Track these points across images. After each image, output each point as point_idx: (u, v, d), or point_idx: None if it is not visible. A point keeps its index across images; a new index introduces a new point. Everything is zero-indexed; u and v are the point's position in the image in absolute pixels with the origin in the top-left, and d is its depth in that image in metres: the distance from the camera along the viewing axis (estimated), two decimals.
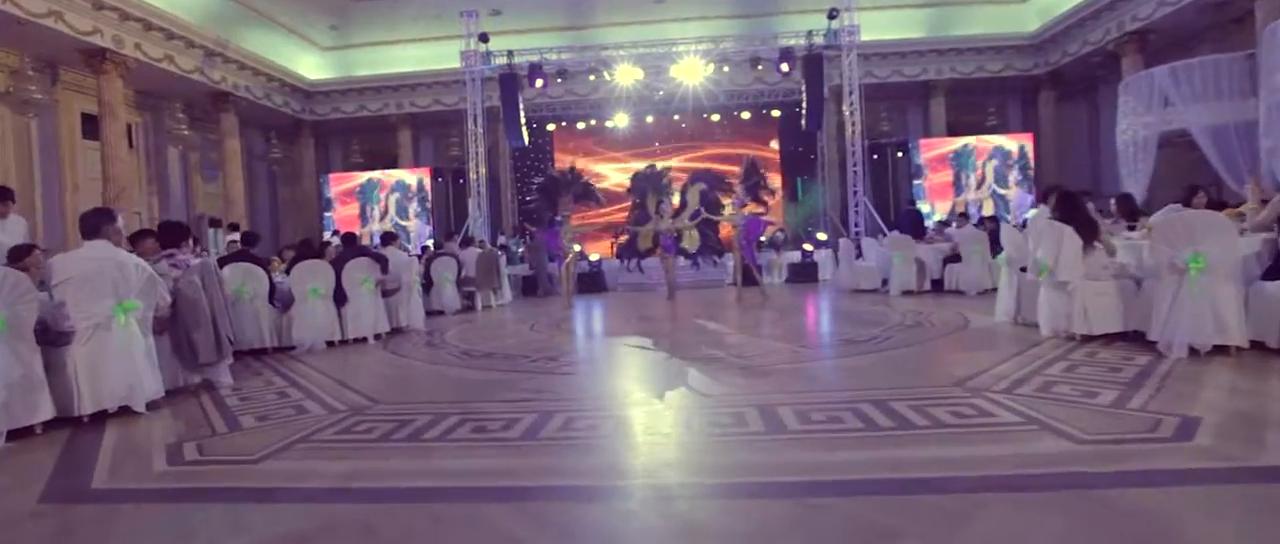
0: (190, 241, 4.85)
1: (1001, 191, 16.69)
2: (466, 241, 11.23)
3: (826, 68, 14.47)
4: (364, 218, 16.51)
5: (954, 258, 9.39)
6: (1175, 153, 14.27)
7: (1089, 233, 5.21)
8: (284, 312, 6.44)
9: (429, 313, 9.21)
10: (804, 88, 14.23)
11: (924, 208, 16.52)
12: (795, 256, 13.71)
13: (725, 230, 10.81)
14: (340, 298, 6.63)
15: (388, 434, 3.27)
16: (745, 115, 17.59)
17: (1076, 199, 5.42)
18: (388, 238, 7.93)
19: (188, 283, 4.43)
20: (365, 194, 16.84)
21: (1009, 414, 3.22)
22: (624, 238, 10.22)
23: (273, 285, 6.41)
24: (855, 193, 14.17)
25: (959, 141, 17.12)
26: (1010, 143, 17.14)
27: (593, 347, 6.07)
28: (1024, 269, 6.09)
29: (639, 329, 7.04)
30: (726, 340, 6.00)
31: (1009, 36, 17.64)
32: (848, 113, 14.35)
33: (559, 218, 10.10)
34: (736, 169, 15.95)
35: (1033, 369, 4.16)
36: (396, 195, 16.73)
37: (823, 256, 13.70)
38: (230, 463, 2.97)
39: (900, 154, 16.92)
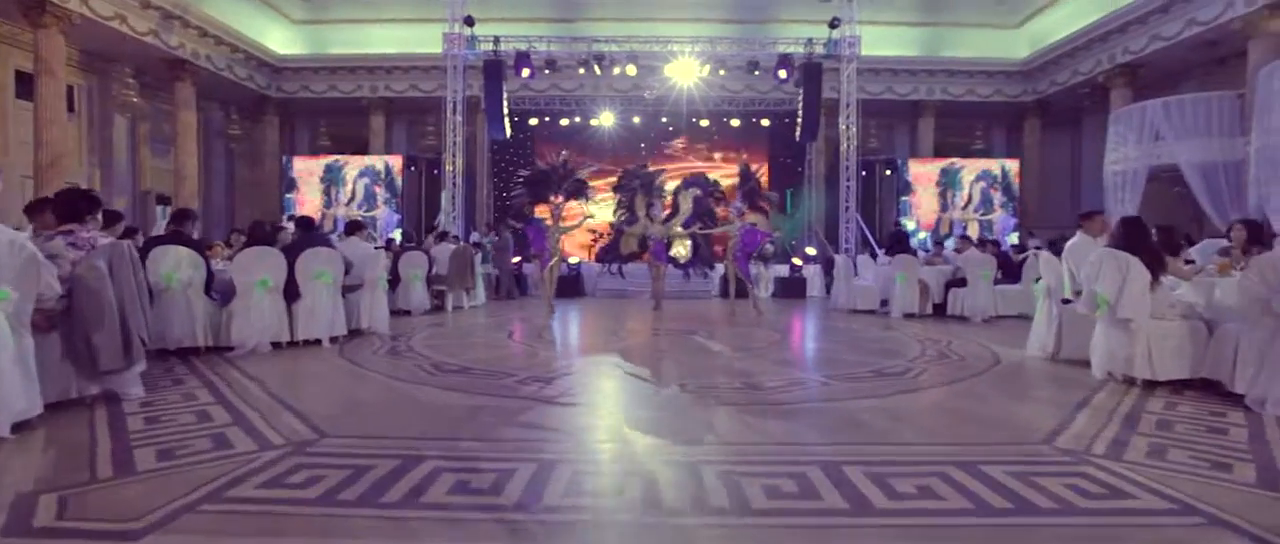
0: (98, 216, 3.82)
1: (986, 216, 16.34)
2: (440, 236, 10.23)
3: (821, 79, 13.88)
4: (329, 203, 15.30)
5: (958, 282, 8.79)
6: (1158, 188, 14.07)
7: (1156, 266, 4.57)
8: (223, 305, 5.42)
9: (394, 312, 8.22)
10: (800, 96, 13.60)
11: (909, 225, 16.09)
12: (783, 271, 13.05)
13: (717, 240, 10.03)
14: (292, 292, 5.64)
15: (334, 491, 2.37)
16: (735, 123, 16.92)
17: (1143, 227, 4.78)
18: (352, 227, 6.92)
19: (89, 269, 3.44)
20: (330, 177, 15.60)
21: (1142, 492, 2.48)
22: (602, 238, 9.17)
23: (211, 273, 5.39)
24: (847, 208, 13.58)
25: (948, 162, 16.75)
26: (997, 167, 16.83)
27: (587, 367, 5.19)
28: (1067, 300, 5.48)
29: (633, 347, 6.21)
30: (737, 366, 5.21)
31: (1000, 62, 17.35)
32: (844, 126, 13.76)
33: (549, 215, 9.20)
34: (727, 175, 15.35)
35: (1119, 424, 3.45)
36: (365, 181, 15.56)
37: (811, 272, 13.07)
38: (95, 538, 2.02)
39: (889, 172, 16.43)
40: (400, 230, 14.13)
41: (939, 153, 17.25)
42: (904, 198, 16.11)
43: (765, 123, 16.80)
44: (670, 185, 9.65)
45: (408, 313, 8.60)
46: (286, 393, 3.90)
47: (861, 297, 9.55)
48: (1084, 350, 5.27)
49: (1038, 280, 5.87)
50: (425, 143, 18.06)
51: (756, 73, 13.82)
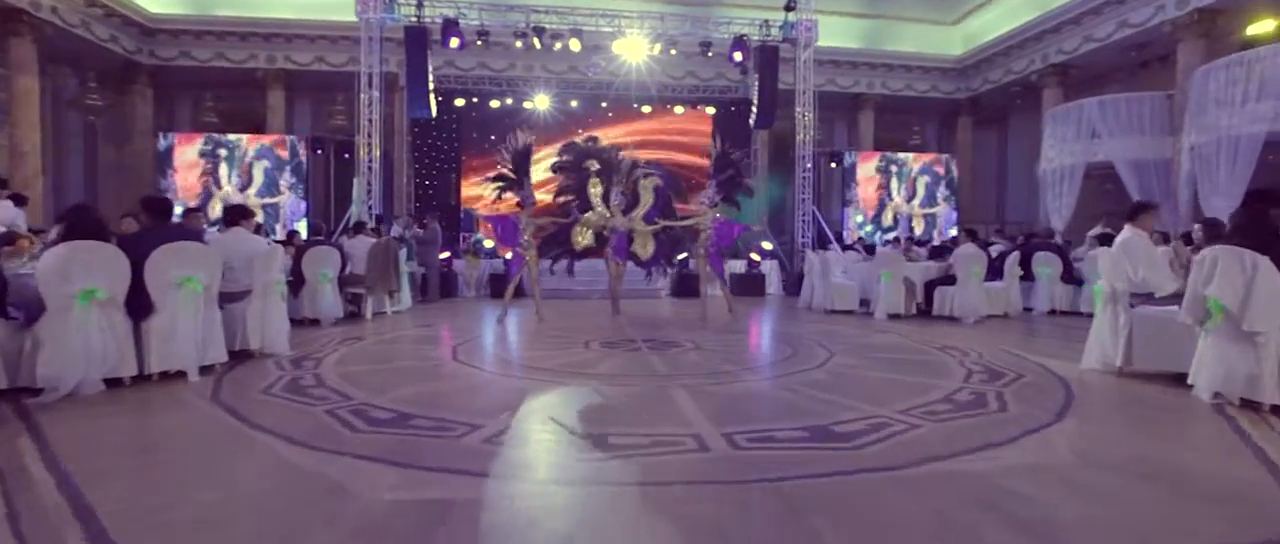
0: None
1: (930, 210, 15.99)
2: (356, 229, 8.35)
3: (778, 64, 12.86)
4: (212, 189, 12.80)
5: (945, 280, 7.94)
6: (1088, 184, 14.08)
7: None
8: (27, 327, 3.57)
9: (298, 323, 6.41)
10: (755, 82, 12.53)
11: (857, 218, 15.52)
12: (739, 266, 11.98)
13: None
14: (140, 305, 3.85)
15: None
16: (679, 110, 15.72)
17: (1270, 216, 3.88)
18: (234, 215, 5.05)
19: None
20: (218, 158, 13.07)
21: None
22: (533, 228, 7.50)
23: (3, 281, 3.52)
24: (803, 201, 12.66)
25: (895, 155, 16.30)
26: (941, 161, 16.53)
27: (578, 408, 3.72)
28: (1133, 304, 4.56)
29: (618, 367, 4.79)
30: (778, 398, 3.93)
31: (937, 58, 17.07)
32: (800, 116, 12.82)
33: (519, 206, 7.55)
34: (683, 163, 14.11)
35: None
36: (265, 162, 13.16)
37: (768, 268, 12.07)
38: None
39: (834, 164, 15.74)
40: (305, 222, 11.99)
41: (877, 147, 16.78)
42: (850, 190, 15.46)
43: (710, 110, 15.71)
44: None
45: (316, 322, 6.78)
46: (100, 485, 2.25)
47: (839, 296, 8.54)
48: (1159, 362, 4.37)
49: (1044, 279, 4.92)
50: (334, 123, 15.75)
51: (710, 54, 12.62)
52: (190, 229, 4.92)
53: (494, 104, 14.95)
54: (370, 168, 12.34)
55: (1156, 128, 12.84)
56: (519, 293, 10.79)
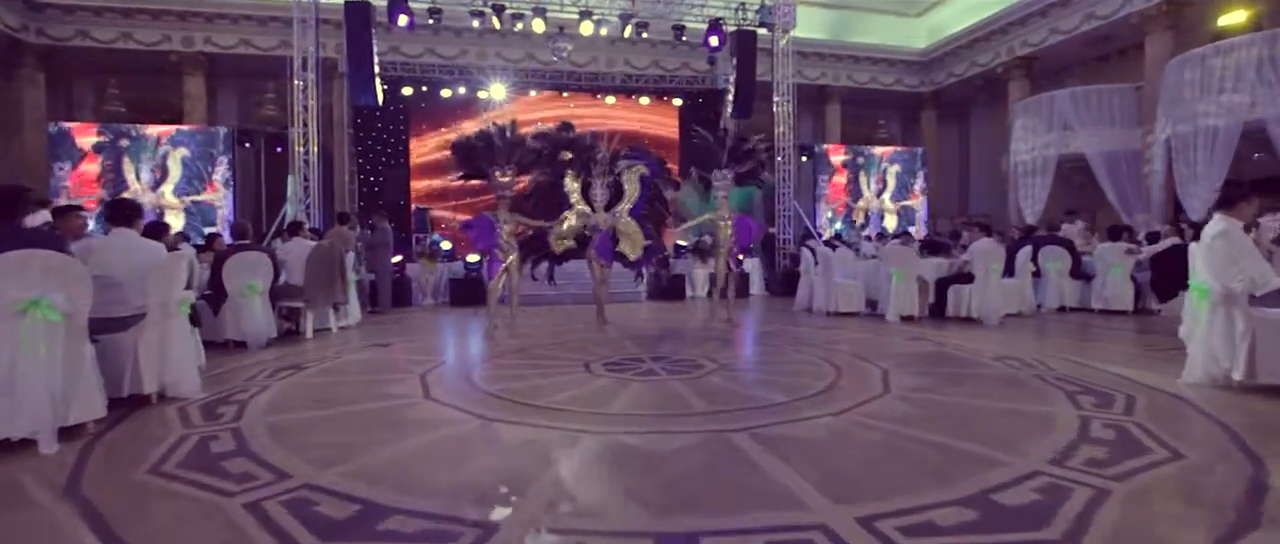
0: None
1: (904, 204, 15.53)
2: (290, 230, 6.95)
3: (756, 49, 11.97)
4: (115, 186, 10.95)
5: (959, 277, 7.21)
6: (1057, 177, 13.86)
7: None
8: None
9: (220, 347, 5.08)
10: (734, 66, 11.61)
11: (827, 214, 14.89)
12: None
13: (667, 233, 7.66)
14: None
15: None
16: (644, 101, 14.70)
17: None
18: (117, 213, 3.67)
19: None
20: (120, 148, 11.17)
21: None
22: (512, 225, 6.28)
23: None
24: (784, 196, 11.85)
25: (869, 148, 15.78)
26: (912, 154, 16.10)
27: (626, 482, 2.64)
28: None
29: (646, 399, 3.72)
30: (880, 446, 2.96)
31: (902, 51, 16.63)
32: (779, 106, 12.00)
33: (499, 195, 6.29)
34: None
35: None
36: (184, 151, 11.37)
37: (751, 266, 11.20)
38: None
39: (805, 157, 15.04)
40: (228, 224, 10.37)
41: (843, 141, 16.22)
42: (821, 185, 14.80)
43: (677, 102, 14.75)
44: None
45: (242, 346, 5.43)
46: None
47: (843, 297, 7.70)
48: None
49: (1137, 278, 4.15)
50: (264, 114, 14.02)
51: (683, 38, 11.64)
52: (44, 233, 3.55)
53: (445, 93, 13.56)
54: (306, 162, 10.82)
55: (1126, 120, 12.64)
56: (472, 300, 9.57)
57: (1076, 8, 13.27)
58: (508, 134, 6.18)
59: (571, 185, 6.94)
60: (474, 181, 6.58)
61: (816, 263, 8.15)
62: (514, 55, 14.51)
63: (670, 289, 10.18)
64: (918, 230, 14.72)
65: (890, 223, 15.05)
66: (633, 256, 6.98)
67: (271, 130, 12.92)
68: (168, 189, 11.20)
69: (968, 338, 5.83)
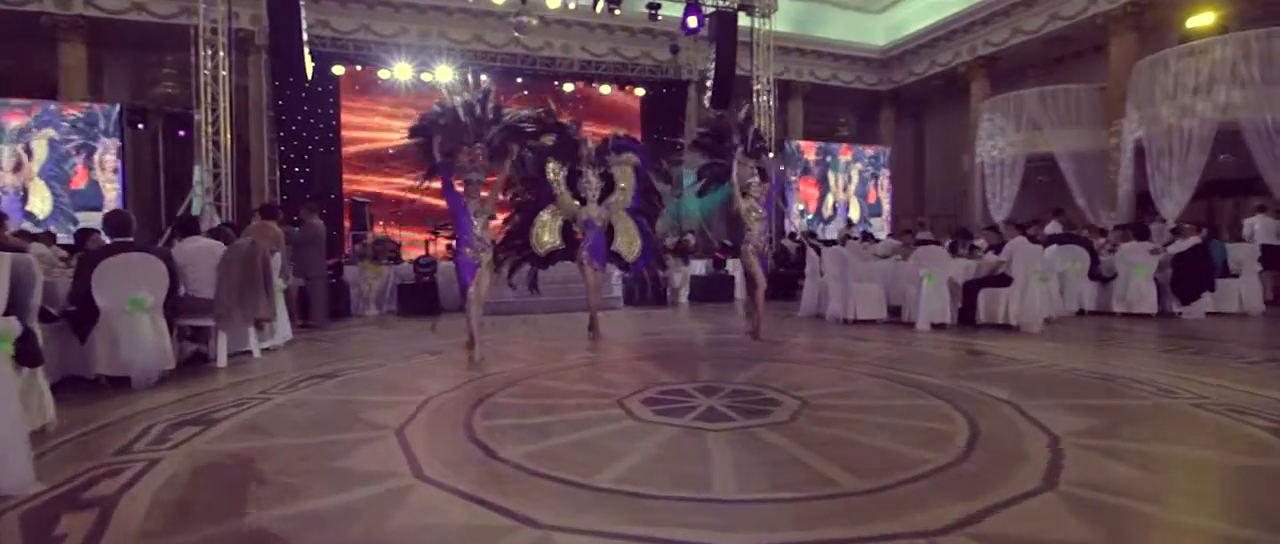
0: None
1: (869, 201, 15.02)
2: (188, 227, 5.24)
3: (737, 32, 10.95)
4: None
5: (993, 280, 6.41)
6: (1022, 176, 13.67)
7: None
8: None
9: (90, 386, 3.52)
10: (713, 51, 10.56)
11: (799, 206, 14.20)
12: (698, 268, 10.00)
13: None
14: None
15: None
16: (605, 89, 13.47)
17: None
18: None
19: None
20: None
21: None
22: (486, 217, 4.82)
23: None
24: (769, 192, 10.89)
25: (840, 146, 15.17)
26: (874, 151, 15.63)
27: None
28: None
29: (757, 473, 2.51)
30: None
31: (863, 48, 16.17)
32: (760, 95, 11.06)
33: (462, 184, 4.80)
34: None
35: None
36: (51, 132, 9.21)
37: (732, 267, 10.19)
38: None
39: (772, 154, 14.23)
40: (103, 217, 8.38)
41: (807, 138, 15.59)
42: (794, 180, 14.05)
43: (640, 92, 13.61)
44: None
45: (124, 383, 3.84)
46: None
47: (862, 302, 6.77)
48: None
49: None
50: (162, 91, 11.85)
51: (660, 17, 10.49)
52: None
53: (383, 74, 11.86)
54: (216, 145, 8.96)
55: (1092, 120, 12.52)
56: (425, 309, 8.05)
57: (1041, 8, 13.08)
58: (478, 109, 4.81)
59: (555, 175, 5.66)
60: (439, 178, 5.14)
61: (823, 264, 7.19)
62: (460, 36, 12.98)
63: (652, 293, 9.01)
64: (882, 228, 14.26)
65: (855, 217, 14.58)
66: (629, 258, 5.79)
67: (172, 111, 10.84)
68: (32, 175, 9.02)
69: (1032, 350, 4.98)
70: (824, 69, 15.92)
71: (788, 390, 3.66)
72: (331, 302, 7.57)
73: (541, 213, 5.75)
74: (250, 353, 4.89)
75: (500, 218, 6.29)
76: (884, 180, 15.40)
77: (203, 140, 9.06)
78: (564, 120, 5.76)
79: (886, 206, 15.53)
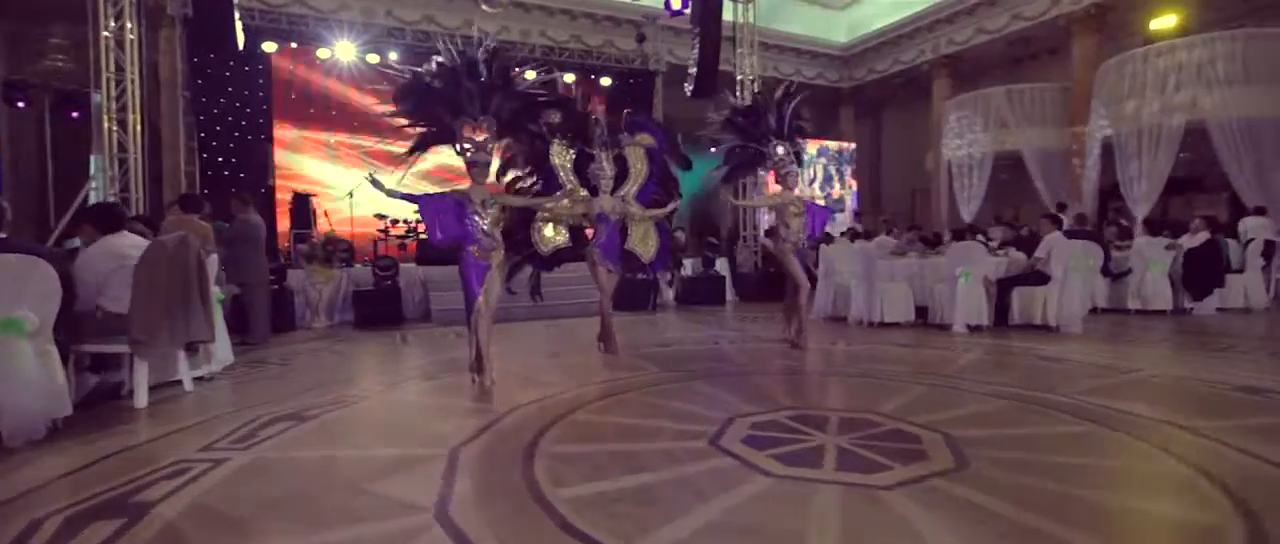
0: None
1: (832, 196, 14.73)
2: (109, 221, 3.93)
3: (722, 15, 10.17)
4: None
5: (1028, 278, 5.95)
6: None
7: None
8: None
9: None
10: (695, 40, 9.80)
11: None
12: (687, 267, 9.22)
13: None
14: None
15: None
16: (569, 78, 12.42)
17: None
18: None
19: None
20: None
21: None
22: (497, 211, 3.90)
23: None
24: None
25: (804, 141, 14.73)
26: (835, 146, 15.35)
27: None
28: None
29: None
30: None
31: (823, 44, 15.90)
32: (744, 83, 10.40)
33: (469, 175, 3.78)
34: None
35: None
36: None
37: (723, 267, 9.47)
38: None
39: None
40: None
41: None
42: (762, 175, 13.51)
43: (606, 82, 12.71)
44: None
45: None
46: None
47: (890, 304, 6.17)
48: None
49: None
50: (50, 65, 9.98)
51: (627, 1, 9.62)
52: None
53: (322, 53, 10.45)
54: (123, 125, 7.43)
55: (1057, 119, 12.61)
56: (387, 318, 6.88)
57: (1004, 7, 13.09)
58: (483, 71, 3.84)
59: (560, 158, 4.72)
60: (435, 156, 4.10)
61: (841, 263, 6.55)
62: (409, 15, 11.73)
63: (636, 296, 8.14)
64: (846, 222, 14.00)
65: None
66: (646, 258, 4.89)
67: (65, 88, 9.08)
68: None
69: (1100, 353, 4.50)
70: (787, 65, 15.54)
71: (906, 418, 2.91)
72: (273, 311, 6.29)
73: (549, 206, 4.78)
74: (180, 382, 3.70)
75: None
76: (849, 177, 15.14)
77: (106, 123, 7.50)
78: (568, 95, 4.81)
79: (849, 203, 15.30)
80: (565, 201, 4.57)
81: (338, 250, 7.09)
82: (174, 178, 9.40)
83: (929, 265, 6.15)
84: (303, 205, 8.85)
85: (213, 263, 4.09)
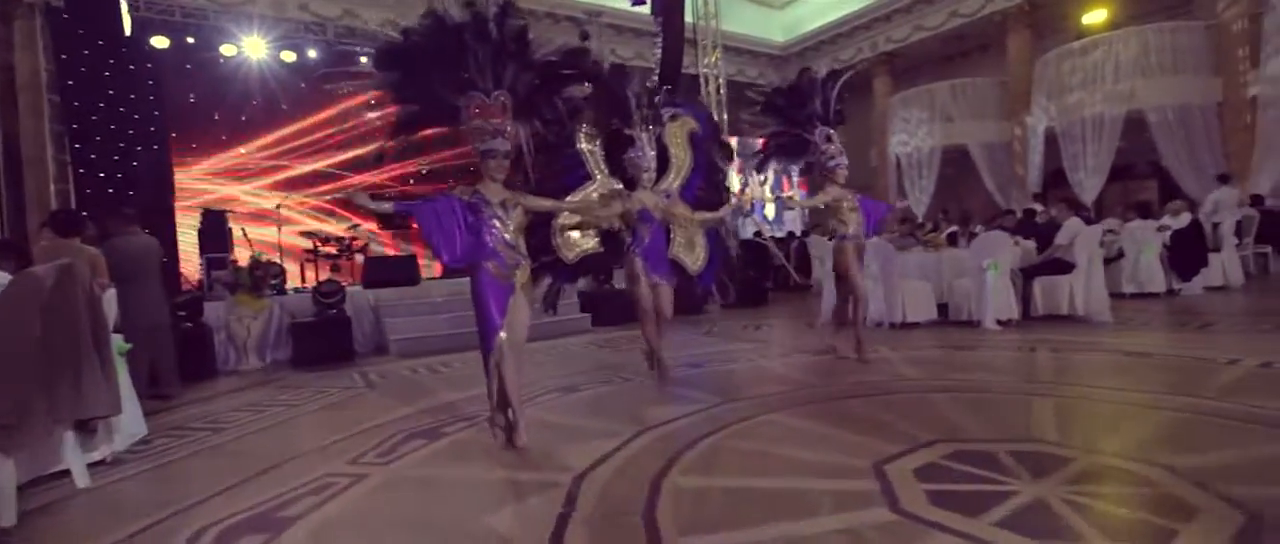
0: None
1: (783, 194, 14.48)
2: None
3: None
4: None
5: (1051, 267, 5.62)
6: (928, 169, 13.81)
7: None
8: None
9: None
10: (660, 30, 9.12)
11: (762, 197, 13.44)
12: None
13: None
14: None
15: None
16: None
17: None
18: None
19: None
20: None
21: None
22: (521, 214, 3.03)
23: None
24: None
25: (756, 137, 14.42)
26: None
27: None
28: None
29: None
30: None
31: (763, 43, 15.73)
32: (708, 81, 9.80)
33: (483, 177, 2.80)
34: None
35: None
36: None
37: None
38: None
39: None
40: None
41: None
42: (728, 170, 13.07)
43: None
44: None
45: None
46: None
47: (913, 302, 5.68)
48: None
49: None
50: None
51: None
52: None
53: (227, 51, 8.98)
54: None
55: (997, 112, 12.88)
56: (333, 355, 5.71)
57: (941, 5, 13.27)
58: (494, 28, 2.94)
59: (588, 145, 3.85)
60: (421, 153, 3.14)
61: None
62: (327, 10, 10.42)
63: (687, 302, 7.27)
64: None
65: (770, 212, 14.09)
66: (694, 267, 4.08)
67: None
68: None
69: (1154, 343, 4.16)
70: (731, 64, 15.17)
71: (1094, 450, 2.28)
72: (186, 354, 4.98)
73: (579, 198, 3.82)
74: (69, 476, 2.54)
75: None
76: (797, 177, 14.95)
77: None
78: (601, 64, 3.92)
79: (800, 196, 15.13)
80: (595, 195, 3.69)
81: (268, 276, 5.80)
82: (41, 197, 7.69)
83: (948, 258, 5.70)
84: (217, 225, 7.36)
85: (110, 301, 2.93)
